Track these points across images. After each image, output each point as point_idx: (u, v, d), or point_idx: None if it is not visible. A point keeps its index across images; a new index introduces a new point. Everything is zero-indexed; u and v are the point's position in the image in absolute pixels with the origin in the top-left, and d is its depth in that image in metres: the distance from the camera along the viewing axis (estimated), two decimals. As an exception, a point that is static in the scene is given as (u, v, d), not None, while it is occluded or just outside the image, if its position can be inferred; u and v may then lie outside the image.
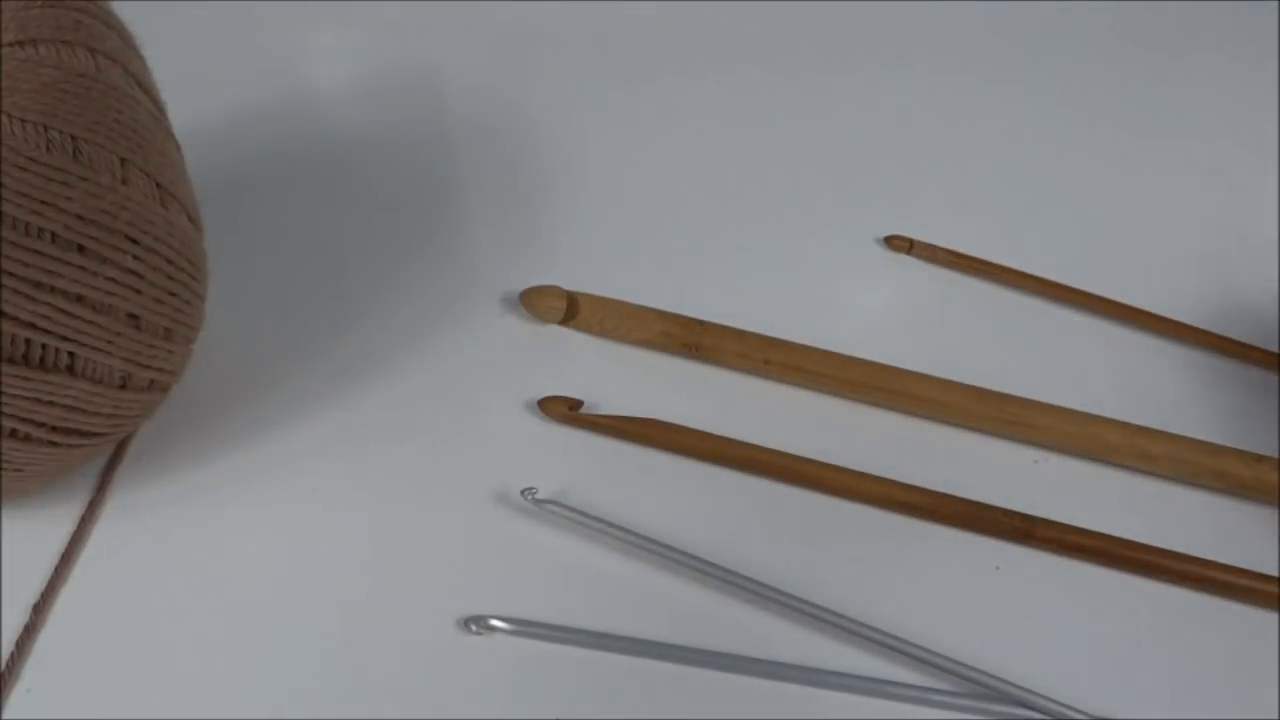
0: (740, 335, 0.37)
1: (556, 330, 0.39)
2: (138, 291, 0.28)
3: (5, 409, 0.27)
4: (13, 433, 0.27)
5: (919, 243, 0.42)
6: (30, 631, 0.29)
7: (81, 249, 0.26)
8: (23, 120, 0.26)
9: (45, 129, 0.26)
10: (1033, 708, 0.29)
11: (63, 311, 0.26)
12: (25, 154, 0.25)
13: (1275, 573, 0.33)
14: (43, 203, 0.25)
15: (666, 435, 0.35)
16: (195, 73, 0.43)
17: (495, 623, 0.30)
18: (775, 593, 0.31)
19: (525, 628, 0.30)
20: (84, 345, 0.27)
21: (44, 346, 0.26)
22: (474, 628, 0.30)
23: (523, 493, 0.33)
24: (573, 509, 0.32)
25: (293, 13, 0.53)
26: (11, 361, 0.26)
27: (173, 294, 0.29)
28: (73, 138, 0.26)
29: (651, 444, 0.35)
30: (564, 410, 0.35)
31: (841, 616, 0.30)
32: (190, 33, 0.51)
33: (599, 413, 0.35)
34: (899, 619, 0.31)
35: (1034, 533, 0.33)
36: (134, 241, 0.27)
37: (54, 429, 0.28)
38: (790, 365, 0.37)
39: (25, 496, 0.32)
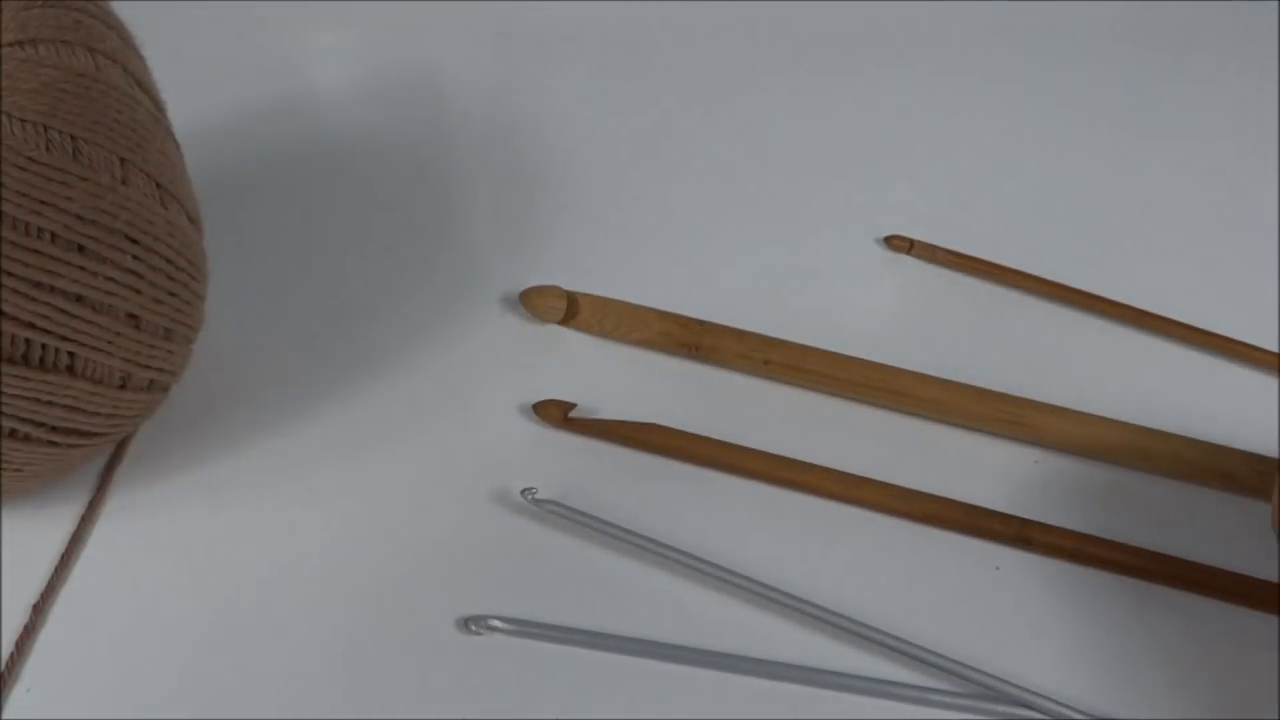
0: (740, 335, 0.37)
1: (556, 330, 0.39)
2: (138, 291, 0.28)
3: (5, 409, 0.27)
4: (13, 433, 0.27)
5: (919, 243, 0.42)
6: (30, 631, 0.29)
7: (81, 249, 0.26)
8: (23, 120, 0.26)
9: (45, 129, 0.26)
10: (1033, 708, 0.29)
11: (63, 311, 0.26)
12: (25, 154, 0.25)
13: (1275, 574, 0.33)
14: (43, 203, 0.25)
15: (664, 440, 0.35)
16: (195, 73, 0.43)
17: (495, 623, 0.30)
18: (775, 593, 0.31)
19: (525, 628, 0.30)
20: (84, 345, 0.27)
21: (44, 346, 0.26)
22: (474, 628, 0.30)
23: (522, 493, 0.33)
24: (573, 509, 0.32)
25: (293, 13, 0.53)
26: (11, 361, 0.26)
27: (173, 294, 0.29)
28: (73, 138, 0.26)
29: (649, 449, 0.35)
30: (559, 415, 0.35)
31: (841, 616, 0.30)
32: (190, 33, 0.51)
33: (599, 413, 0.35)
34: (899, 619, 0.31)
35: (1031, 538, 0.33)
36: (134, 241, 0.27)
37: (54, 429, 0.28)
38: (790, 365, 0.37)
39: (25, 496, 0.32)
